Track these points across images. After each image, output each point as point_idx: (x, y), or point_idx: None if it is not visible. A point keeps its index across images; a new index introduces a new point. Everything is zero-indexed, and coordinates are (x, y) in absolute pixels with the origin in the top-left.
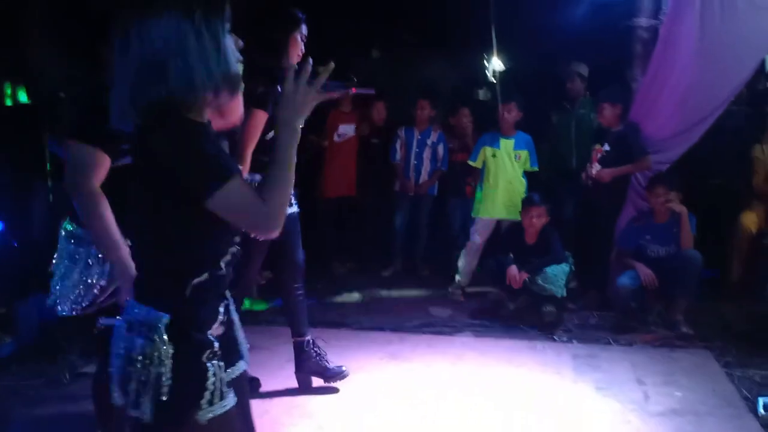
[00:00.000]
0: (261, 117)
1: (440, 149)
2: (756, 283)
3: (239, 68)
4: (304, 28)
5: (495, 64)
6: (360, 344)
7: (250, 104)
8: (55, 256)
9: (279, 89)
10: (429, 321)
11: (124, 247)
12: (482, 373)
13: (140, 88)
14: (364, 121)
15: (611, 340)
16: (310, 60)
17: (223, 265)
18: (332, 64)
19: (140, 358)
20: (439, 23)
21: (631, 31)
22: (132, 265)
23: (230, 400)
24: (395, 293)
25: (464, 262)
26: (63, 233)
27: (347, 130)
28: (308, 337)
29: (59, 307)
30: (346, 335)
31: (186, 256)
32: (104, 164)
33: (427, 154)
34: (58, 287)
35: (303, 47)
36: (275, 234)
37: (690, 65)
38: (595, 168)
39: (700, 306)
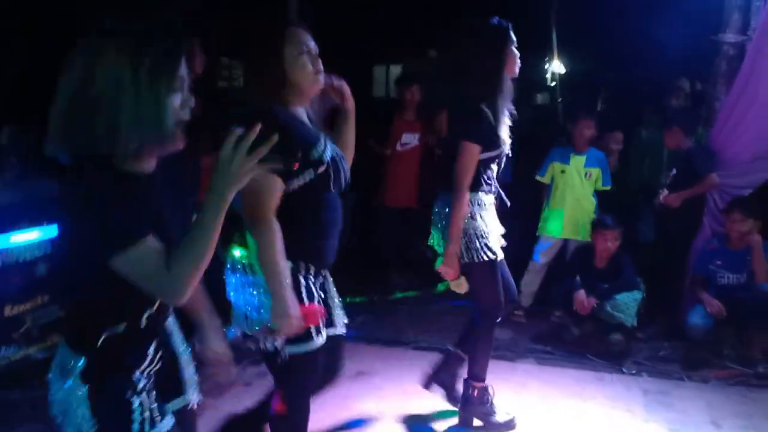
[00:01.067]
0: None
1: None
2: None
3: (175, 126)
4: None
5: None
6: (418, 365)
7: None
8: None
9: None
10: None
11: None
12: (547, 404)
13: (69, 120)
14: (429, 131)
15: (684, 376)
16: (258, 127)
17: (144, 319)
18: (276, 137)
19: (62, 399)
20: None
21: (717, 47)
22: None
23: (165, 425)
24: (453, 309)
25: (527, 282)
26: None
27: (411, 139)
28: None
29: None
30: (403, 355)
31: (97, 307)
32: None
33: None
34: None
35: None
36: (179, 302)
37: None
38: (663, 193)
39: None
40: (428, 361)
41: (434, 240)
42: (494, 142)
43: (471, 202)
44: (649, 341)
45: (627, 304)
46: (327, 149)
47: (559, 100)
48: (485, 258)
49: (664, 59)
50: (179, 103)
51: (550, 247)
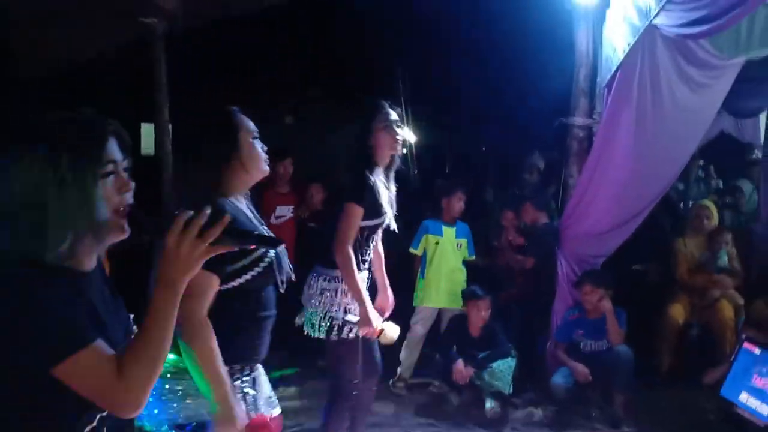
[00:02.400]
0: None
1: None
2: (686, 372)
3: (114, 213)
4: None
5: (407, 135)
6: None
7: None
8: None
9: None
10: (374, 420)
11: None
12: None
13: None
14: (302, 203)
15: None
16: (207, 209)
17: None
18: (228, 216)
19: None
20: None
21: (567, 129)
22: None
23: None
24: None
25: (406, 353)
26: None
27: (285, 211)
28: None
29: None
30: None
31: (28, 425)
32: None
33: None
34: None
35: None
36: (133, 413)
37: (626, 163)
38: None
39: (637, 398)
40: None
41: (306, 319)
42: (376, 210)
43: (341, 278)
44: (523, 407)
45: (503, 371)
46: None
47: (412, 166)
48: (350, 336)
49: (515, 135)
50: (114, 189)
51: (428, 317)
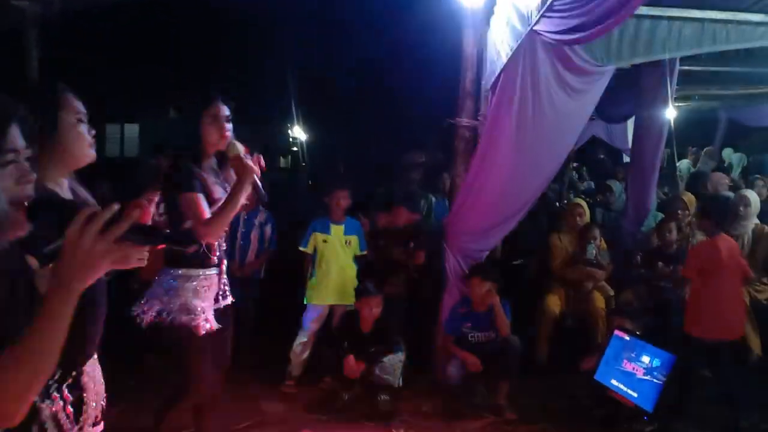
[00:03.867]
0: None
1: (268, 229)
2: (562, 360)
3: (11, 206)
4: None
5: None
6: None
7: None
8: None
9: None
10: (262, 419)
11: None
12: None
13: None
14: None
15: (446, 429)
16: (116, 205)
17: None
18: (138, 211)
19: None
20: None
21: (453, 130)
22: None
23: None
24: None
25: (297, 351)
26: None
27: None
28: None
29: None
30: None
31: None
32: None
33: (254, 235)
34: None
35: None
36: (6, 425)
37: (508, 161)
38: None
39: (518, 385)
40: None
41: None
42: (208, 203)
43: (182, 275)
44: (412, 399)
45: (393, 365)
46: None
47: (303, 164)
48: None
49: (402, 135)
50: (13, 180)
51: (319, 314)
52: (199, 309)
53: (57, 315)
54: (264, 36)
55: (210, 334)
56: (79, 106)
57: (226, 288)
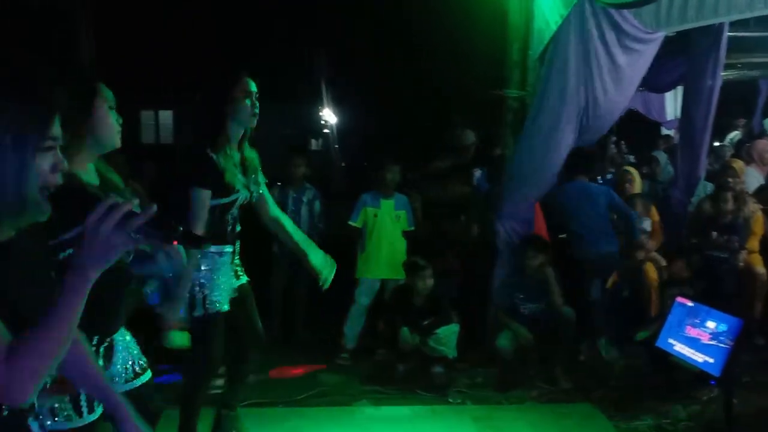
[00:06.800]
0: None
1: (316, 206)
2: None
3: (40, 191)
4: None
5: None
6: (257, 424)
7: None
8: None
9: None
10: (322, 390)
11: None
12: None
13: None
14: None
15: (502, 399)
16: (134, 200)
17: None
18: (154, 207)
19: None
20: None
21: (503, 101)
22: None
23: None
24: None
25: (351, 325)
26: None
27: None
28: None
29: None
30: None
31: None
32: None
33: (305, 212)
34: None
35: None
36: (18, 402)
37: (556, 132)
38: None
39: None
40: None
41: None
42: (223, 187)
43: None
44: (466, 370)
45: (447, 337)
46: None
47: (336, 146)
48: (208, 311)
49: (447, 110)
50: (49, 167)
51: (371, 288)
52: (210, 286)
53: (74, 298)
54: (294, 20)
55: (226, 313)
56: (110, 94)
57: (238, 269)
